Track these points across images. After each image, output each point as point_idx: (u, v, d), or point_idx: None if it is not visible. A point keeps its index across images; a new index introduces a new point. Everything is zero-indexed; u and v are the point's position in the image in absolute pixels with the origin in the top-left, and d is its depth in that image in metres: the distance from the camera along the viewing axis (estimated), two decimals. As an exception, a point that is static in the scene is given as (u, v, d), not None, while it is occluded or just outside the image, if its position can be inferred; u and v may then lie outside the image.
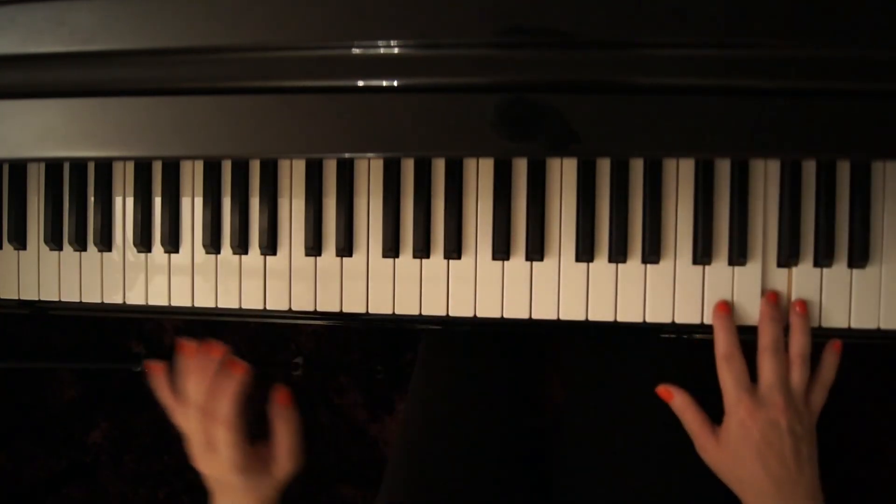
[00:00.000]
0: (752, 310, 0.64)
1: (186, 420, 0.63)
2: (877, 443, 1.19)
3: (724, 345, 0.62)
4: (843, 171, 0.64)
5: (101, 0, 0.59)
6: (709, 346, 0.64)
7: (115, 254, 0.72)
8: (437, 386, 0.82)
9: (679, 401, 0.64)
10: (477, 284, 0.67)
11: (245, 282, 0.70)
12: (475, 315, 0.67)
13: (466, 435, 0.78)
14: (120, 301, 0.72)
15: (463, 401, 0.81)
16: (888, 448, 1.18)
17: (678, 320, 0.65)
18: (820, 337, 0.65)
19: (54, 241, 0.72)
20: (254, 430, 0.64)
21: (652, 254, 0.64)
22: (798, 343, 0.62)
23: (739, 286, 0.65)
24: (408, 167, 0.67)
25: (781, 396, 0.59)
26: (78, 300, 0.73)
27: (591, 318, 0.66)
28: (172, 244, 0.71)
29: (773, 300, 0.63)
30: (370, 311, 0.68)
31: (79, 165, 0.72)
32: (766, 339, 0.61)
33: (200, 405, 0.61)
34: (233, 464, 0.61)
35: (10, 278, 0.74)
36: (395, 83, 0.58)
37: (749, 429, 0.58)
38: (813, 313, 0.64)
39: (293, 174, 0.69)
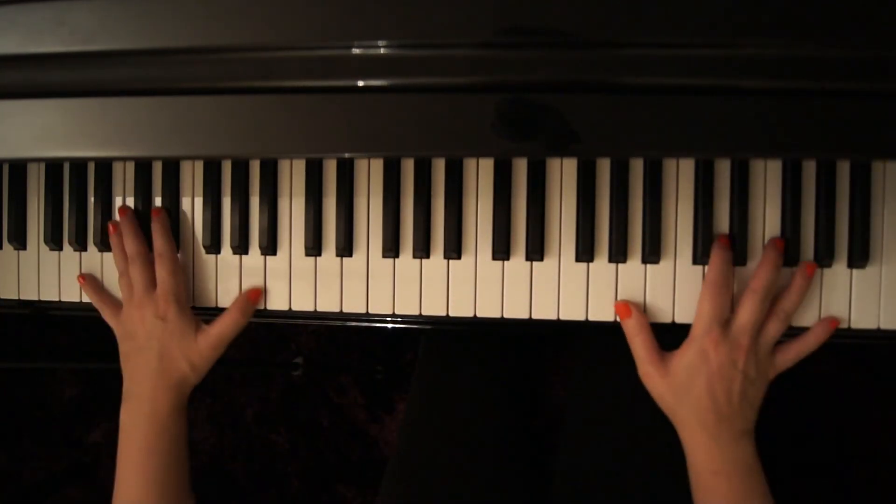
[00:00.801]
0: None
1: (126, 278, 0.68)
2: (877, 443, 1.19)
3: (716, 273, 0.61)
4: (843, 171, 0.64)
5: (101, 0, 0.59)
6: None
7: (115, 254, 0.72)
8: (438, 386, 0.82)
9: (635, 321, 0.63)
10: (477, 284, 0.67)
11: (245, 282, 0.70)
12: (475, 315, 0.67)
13: (467, 435, 0.78)
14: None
15: (463, 401, 0.81)
16: (888, 448, 1.18)
17: (678, 320, 0.65)
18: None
19: (54, 241, 0.72)
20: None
21: (652, 254, 0.64)
22: (790, 301, 0.61)
23: (740, 286, 0.65)
24: (408, 167, 0.67)
25: (749, 339, 0.59)
26: (78, 300, 0.73)
27: (591, 318, 0.66)
28: (172, 244, 0.70)
29: (781, 247, 0.62)
30: (370, 311, 0.68)
31: (79, 165, 0.72)
32: (758, 282, 0.60)
33: (137, 251, 0.68)
34: (173, 291, 0.66)
35: (10, 278, 0.74)
36: (395, 83, 0.58)
37: (708, 359, 0.59)
38: (813, 313, 0.64)
39: (293, 174, 0.69)
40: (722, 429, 0.59)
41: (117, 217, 0.70)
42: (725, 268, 0.61)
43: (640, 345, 0.62)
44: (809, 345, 0.62)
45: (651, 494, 0.70)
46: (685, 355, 0.60)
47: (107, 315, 0.70)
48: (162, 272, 0.67)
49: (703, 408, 0.59)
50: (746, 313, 0.60)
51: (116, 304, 0.70)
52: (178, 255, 0.69)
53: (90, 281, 0.71)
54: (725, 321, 0.60)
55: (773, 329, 0.61)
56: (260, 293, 0.69)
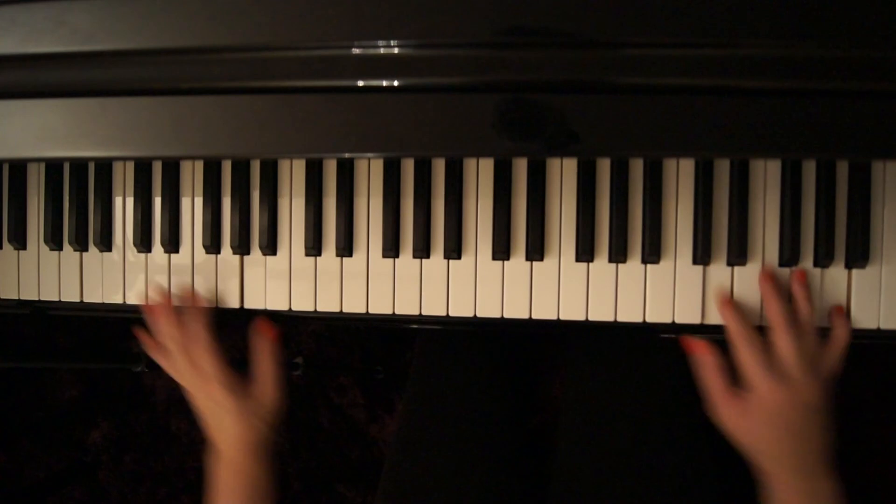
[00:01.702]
0: (752, 309, 0.64)
1: (170, 357, 0.70)
2: (878, 443, 1.19)
3: (737, 325, 0.62)
4: (843, 171, 0.64)
5: (101, 0, 0.59)
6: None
7: (116, 254, 0.72)
8: (434, 386, 0.82)
9: (713, 360, 0.63)
10: (477, 284, 0.67)
11: (246, 282, 0.70)
12: (475, 315, 0.67)
13: (464, 435, 0.78)
14: (120, 301, 0.72)
15: (460, 401, 0.81)
16: (888, 448, 1.18)
17: (678, 320, 0.65)
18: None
19: (54, 241, 0.72)
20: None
21: (652, 254, 0.64)
22: (802, 311, 0.62)
23: (739, 286, 0.65)
24: (408, 167, 0.67)
25: (801, 371, 0.59)
26: (78, 300, 0.73)
27: (591, 318, 0.66)
28: (172, 244, 0.71)
29: (771, 276, 0.63)
30: (370, 311, 0.68)
31: (79, 165, 0.72)
32: (775, 316, 0.61)
33: (177, 334, 0.68)
34: (216, 379, 0.67)
35: (10, 278, 0.74)
36: (396, 83, 0.58)
37: (770, 409, 0.59)
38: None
39: (293, 174, 0.69)
40: (801, 465, 0.59)
41: (151, 296, 0.71)
42: (742, 318, 0.63)
43: (713, 385, 0.63)
44: (840, 338, 0.63)
45: (649, 494, 0.70)
46: (750, 403, 0.61)
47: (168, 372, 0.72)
48: (207, 362, 0.68)
49: (776, 452, 0.60)
50: (786, 347, 0.60)
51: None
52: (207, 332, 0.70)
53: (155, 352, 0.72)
54: (771, 364, 0.60)
55: (808, 343, 0.61)
56: (269, 325, 0.71)
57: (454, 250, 0.66)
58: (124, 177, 0.72)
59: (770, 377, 0.59)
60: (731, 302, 0.64)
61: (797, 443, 0.59)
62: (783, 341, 0.60)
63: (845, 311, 0.64)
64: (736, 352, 0.62)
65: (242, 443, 0.68)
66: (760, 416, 0.60)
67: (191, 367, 0.68)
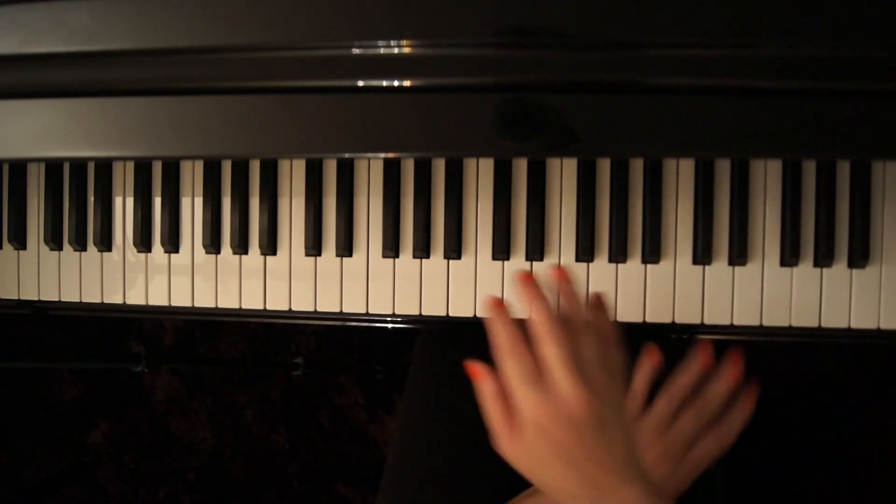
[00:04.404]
0: (752, 310, 0.64)
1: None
2: (877, 443, 1.19)
3: (506, 336, 0.52)
4: (843, 171, 0.64)
5: (100, 0, 0.59)
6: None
7: (115, 254, 0.72)
8: (434, 386, 0.82)
9: (489, 387, 0.52)
10: (477, 284, 0.67)
11: (245, 282, 0.70)
12: (475, 315, 0.67)
13: (464, 434, 0.78)
14: (120, 301, 0.72)
15: (460, 400, 0.81)
16: (888, 448, 1.18)
17: (678, 320, 0.65)
18: (820, 337, 0.65)
19: (54, 241, 0.72)
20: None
21: (652, 254, 0.64)
22: (569, 310, 0.54)
23: (739, 286, 0.65)
24: (408, 167, 0.67)
25: (567, 381, 0.48)
26: (78, 300, 0.73)
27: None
28: (172, 244, 0.71)
29: (528, 277, 0.55)
30: (370, 311, 0.69)
31: (79, 165, 0.72)
32: (533, 322, 0.52)
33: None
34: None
35: (10, 278, 0.74)
36: (396, 83, 0.58)
37: (543, 429, 0.49)
38: (813, 313, 0.64)
39: (293, 174, 0.69)
40: (594, 487, 0.49)
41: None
42: (512, 328, 0.53)
43: (493, 412, 0.52)
44: (604, 330, 0.53)
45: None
46: (523, 428, 0.51)
47: None
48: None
49: (562, 477, 0.50)
50: (550, 353, 0.50)
51: None
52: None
53: None
54: (538, 378, 0.50)
55: (578, 347, 0.51)
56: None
57: (454, 250, 0.66)
58: (124, 177, 0.72)
59: (532, 393, 0.49)
60: (501, 308, 0.53)
61: (584, 462, 0.49)
62: (543, 350, 0.50)
63: (614, 300, 0.56)
64: (501, 367, 0.52)
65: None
66: (527, 438, 0.50)
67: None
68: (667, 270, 0.65)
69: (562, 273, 0.55)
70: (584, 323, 0.52)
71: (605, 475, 0.49)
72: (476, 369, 0.54)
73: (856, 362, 1.20)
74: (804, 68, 0.55)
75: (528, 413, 0.49)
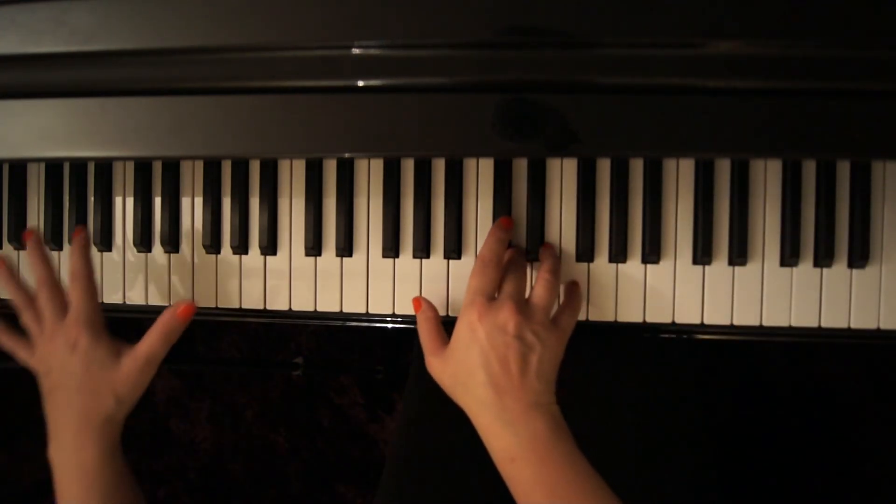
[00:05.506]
0: (752, 310, 0.64)
1: (32, 311, 0.63)
2: (877, 442, 1.19)
3: (488, 251, 0.60)
4: (843, 171, 0.64)
5: (100, 0, 0.59)
6: (708, 345, 0.64)
7: (115, 254, 0.72)
8: (433, 385, 0.82)
9: (427, 314, 0.62)
10: (477, 284, 0.67)
11: (245, 282, 0.70)
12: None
13: (465, 434, 0.78)
14: (120, 301, 0.72)
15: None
16: (888, 448, 1.18)
17: (678, 320, 0.65)
18: (820, 337, 0.65)
19: (54, 242, 0.72)
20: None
21: (652, 254, 0.64)
22: (545, 264, 0.61)
23: (739, 286, 0.65)
24: (408, 167, 0.67)
25: (513, 302, 0.57)
26: (78, 300, 0.72)
27: (591, 318, 0.66)
28: (172, 244, 0.71)
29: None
30: (370, 311, 0.69)
31: (79, 165, 0.72)
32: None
33: (46, 277, 0.63)
34: (84, 316, 0.61)
35: (10, 278, 0.73)
36: (395, 83, 0.58)
37: (476, 330, 0.56)
38: (813, 313, 0.64)
39: (293, 174, 0.69)
40: (506, 404, 0.55)
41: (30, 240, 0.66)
42: (497, 247, 0.61)
43: (426, 332, 0.61)
44: (577, 302, 0.62)
45: (651, 493, 0.70)
46: (458, 331, 0.58)
47: (22, 356, 0.63)
48: (74, 295, 0.62)
49: (480, 383, 0.55)
50: (506, 284, 0.60)
51: (30, 343, 0.64)
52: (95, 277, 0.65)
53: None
54: (491, 295, 0.59)
55: (541, 291, 0.59)
56: (191, 309, 0.63)
57: (454, 250, 0.66)
58: (124, 177, 0.72)
59: (482, 301, 0.57)
60: (506, 228, 0.63)
61: (501, 374, 0.55)
62: (506, 280, 0.60)
63: (614, 300, 0.64)
64: (470, 276, 0.60)
65: (87, 421, 0.59)
66: (465, 342, 0.57)
67: (56, 307, 0.61)
68: (667, 270, 0.65)
69: (505, 222, 0.63)
70: (550, 275, 0.60)
71: (515, 392, 0.55)
72: (418, 300, 0.63)
73: (856, 362, 1.20)
74: (804, 68, 0.55)
75: (467, 311, 0.57)
